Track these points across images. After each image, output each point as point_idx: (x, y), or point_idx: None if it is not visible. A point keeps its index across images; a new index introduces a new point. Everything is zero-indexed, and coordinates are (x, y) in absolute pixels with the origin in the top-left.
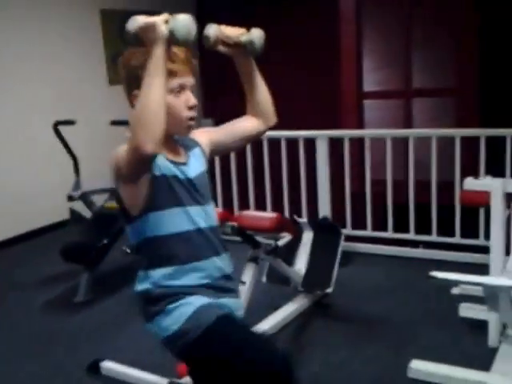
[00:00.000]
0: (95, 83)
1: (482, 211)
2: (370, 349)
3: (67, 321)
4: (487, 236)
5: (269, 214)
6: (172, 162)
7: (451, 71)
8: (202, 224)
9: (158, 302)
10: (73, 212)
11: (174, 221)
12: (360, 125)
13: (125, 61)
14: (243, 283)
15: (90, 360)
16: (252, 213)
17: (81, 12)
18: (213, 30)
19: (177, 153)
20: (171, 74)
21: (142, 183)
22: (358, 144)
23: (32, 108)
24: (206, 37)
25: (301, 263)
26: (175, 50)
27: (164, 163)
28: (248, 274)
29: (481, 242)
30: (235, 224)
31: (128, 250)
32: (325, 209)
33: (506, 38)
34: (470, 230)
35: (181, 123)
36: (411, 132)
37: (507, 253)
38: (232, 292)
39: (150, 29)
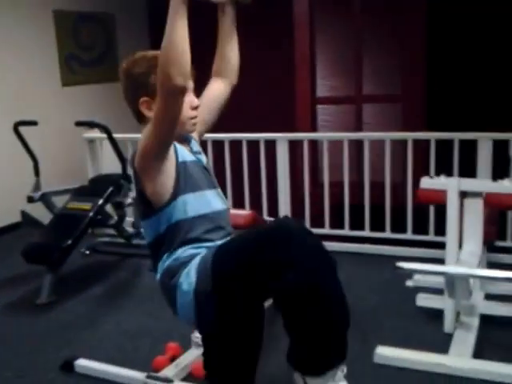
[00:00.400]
0: (48, 85)
1: (431, 209)
2: None
3: (31, 323)
4: (437, 232)
5: (244, 212)
6: (189, 151)
7: (399, 79)
8: (218, 206)
9: (176, 272)
10: (24, 214)
11: (196, 204)
12: (314, 128)
13: (127, 69)
14: None
15: (60, 360)
16: None
17: (33, 12)
18: None
19: (185, 145)
20: None
21: (169, 170)
22: (312, 147)
23: None
24: None
25: None
26: None
27: (184, 151)
28: None
29: (431, 237)
30: None
31: (87, 252)
32: (285, 207)
33: (452, 45)
34: (420, 227)
35: (187, 122)
36: (366, 135)
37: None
38: None
39: None
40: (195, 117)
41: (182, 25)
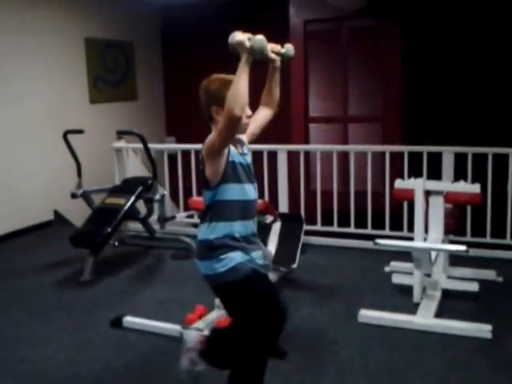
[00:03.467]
0: (78, 102)
1: (405, 213)
2: (328, 306)
3: (79, 294)
4: (409, 229)
5: (259, 201)
6: (239, 153)
7: (379, 103)
8: (251, 196)
9: (214, 251)
10: (57, 214)
11: (235, 192)
12: (307, 143)
13: (205, 86)
14: None
15: (109, 319)
16: None
17: (68, 39)
18: (261, 43)
19: (238, 147)
20: None
21: (221, 164)
22: (305, 159)
23: (25, 121)
24: (259, 45)
25: (271, 245)
26: None
27: (234, 153)
28: None
29: (404, 233)
30: None
31: (116, 244)
32: (284, 207)
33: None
34: (396, 224)
35: (242, 125)
36: (352, 147)
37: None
38: (257, 244)
39: (240, 44)
40: (248, 123)
41: (245, 78)
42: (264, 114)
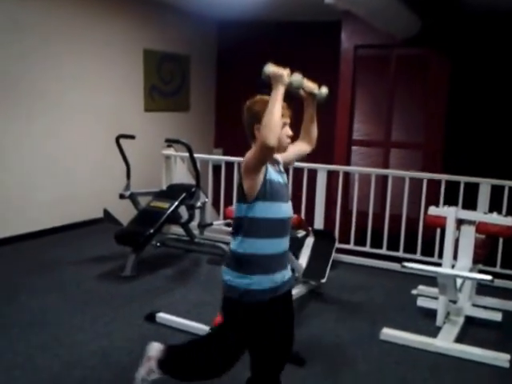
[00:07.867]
0: (133, 109)
1: (437, 240)
2: (352, 322)
3: (119, 288)
4: (441, 255)
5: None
6: (276, 171)
7: (422, 131)
8: (286, 215)
9: (239, 265)
10: (106, 212)
11: (270, 210)
12: (348, 164)
13: (249, 106)
14: None
15: (143, 313)
16: None
17: (128, 49)
18: (300, 81)
19: (275, 165)
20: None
21: (259, 180)
22: (345, 181)
23: (82, 125)
24: (297, 83)
25: (303, 259)
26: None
27: (272, 171)
28: None
29: (435, 259)
30: None
31: (158, 245)
32: (319, 223)
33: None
34: (428, 250)
35: (282, 145)
36: (390, 172)
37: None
38: (286, 262)
39: (278, 77)
40: (289, 142)
41: (279, 108)
42: (300, 147)
